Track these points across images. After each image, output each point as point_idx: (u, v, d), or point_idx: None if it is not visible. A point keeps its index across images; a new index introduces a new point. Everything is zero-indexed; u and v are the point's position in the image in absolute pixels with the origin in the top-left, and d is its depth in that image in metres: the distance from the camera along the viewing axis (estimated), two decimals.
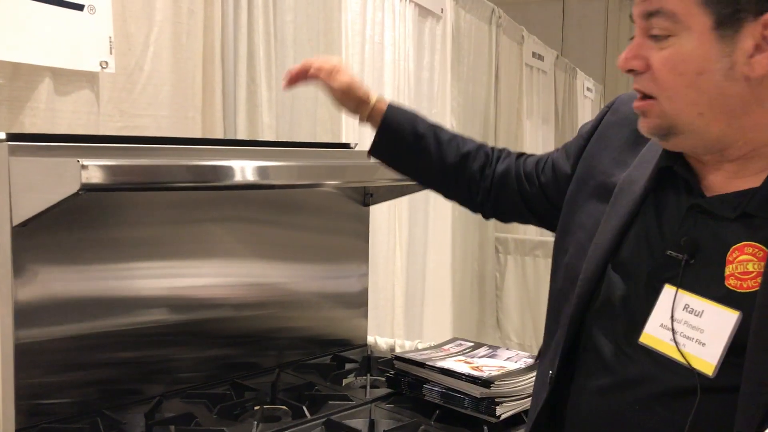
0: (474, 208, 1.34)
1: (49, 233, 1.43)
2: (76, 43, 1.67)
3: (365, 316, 2.04)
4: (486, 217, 1.36)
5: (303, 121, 2.54)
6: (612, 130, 1.10)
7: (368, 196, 1.96)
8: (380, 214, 2.97)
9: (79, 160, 1.15)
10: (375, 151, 1.31)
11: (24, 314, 1.40)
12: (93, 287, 1.51)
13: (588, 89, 6.29)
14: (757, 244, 0.88)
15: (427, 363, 1.56)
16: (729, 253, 0.89)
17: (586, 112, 6.11)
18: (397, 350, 1.96)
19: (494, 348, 1.69)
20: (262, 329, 1.83)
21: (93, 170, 1.16)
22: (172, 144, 1.54)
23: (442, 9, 3.40)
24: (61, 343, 1.47)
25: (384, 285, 3.07)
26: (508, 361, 1.59)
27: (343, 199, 1.95)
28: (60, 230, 1.45)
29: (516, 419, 1.47)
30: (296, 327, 1.89)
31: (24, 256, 1.39)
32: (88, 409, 1.48)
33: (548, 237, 2.93)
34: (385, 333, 2.89)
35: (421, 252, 3.38)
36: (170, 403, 1.57)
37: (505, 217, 1.34)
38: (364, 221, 1.99)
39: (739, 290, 0.88)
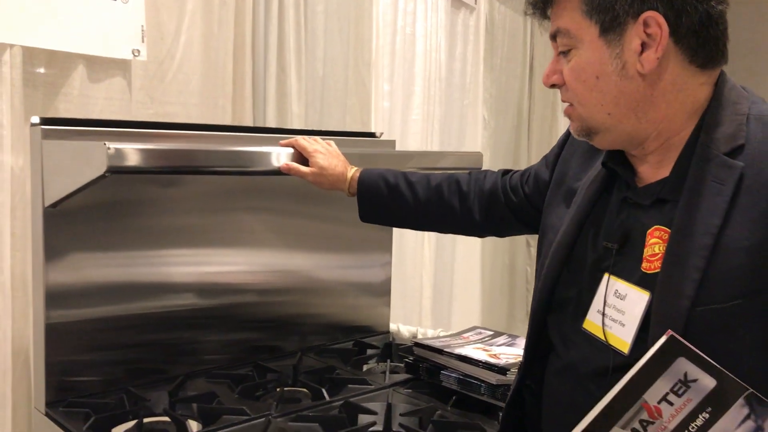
0: (470, 232, 1.47)
1: (83, 220, 1.48)
2: (109, 31, 1.72)
3: (388, 304, 2.06)
4: (482, 235, 1.49)
5: (333, 111, 2.57)
6: None
7: None
8: None
9: (106, 143, 1.19)
10: (363, 215, 1.47)
11: (56, 295, 1.45)
12: (123, 272, 1.56)
13: None
14: (663, 227, 0.95)
15: (445, 350, 1.57)
16: (646, 237, 0.97)
17: None
18: (419, 338, 1.98)
19: (513, 337, 1.70)
20: (286, 315, 1.86)
21: (119, 153, 1.20)
22: (200, 130, 1.58)
23: (476, 0, 3.39)
24: (91, 324, 1.52)
25: (412, 275, 3.09)
26: None
27: None
28: (94, 217, 1.50)
29: None
30: (319, 313, 1.92)
31: (58, 240, 1.45)
32: (115, 386, 1.54)
33: None
34: (413, 323, 2.91)
35: (450, 244, 3.39)
36: (194, 382, 1.62)
37: (500, 232, 1.45)
38: None
39: (649, 272, 0.96)
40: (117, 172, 1.21)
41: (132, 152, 1.22)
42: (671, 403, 0.84)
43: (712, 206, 0.90)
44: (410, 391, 1.59)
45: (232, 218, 1.74)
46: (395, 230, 2.90)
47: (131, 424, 1.36)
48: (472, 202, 1.39)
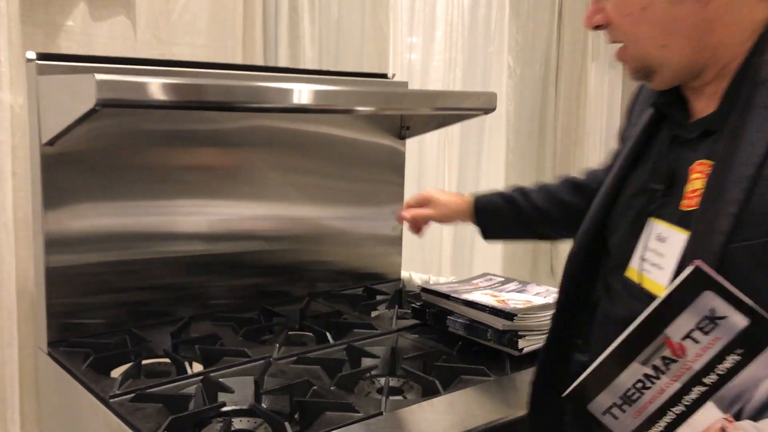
0: None
1: (88, 164, 1.46)
2: None
3: (400, 253, 2.02)
4: None
5: (348, 55, 2.50)
6: (645, 89, 1.11)
7: (404, 129, 1.92)
8: (429, 153, 2.93)
9: (95, 75, 1.15)
10: (487, 233, 1.48)
11: (56, 238, 1.44)
12: (129, 218, 1.54)
13: None
14: (706, 161, 0.87)
15: (452, 295, 1.53)
16: (689, 173, 0.89)
17: None
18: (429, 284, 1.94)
19: (524, 283, 1.65)
20: (296, 261, 1.83)
21: (108, 85, 1.15)
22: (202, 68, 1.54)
23: None
24: (94, 267, 1.51)
25: (431, 229, 3.03)
26: (537, 296, 1.55)
27: (378, 133, 1.91)
28: (100, 162, 1.48)
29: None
30: (330, 260, 1.89)
31: (59, 181, 1.43)
32: (118, 328, 1.53)
33: None
34: (431, 274, 2.87)
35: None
36: (199, 325, 1.60)
37: None
38: (400, 155, 1.95)
39: (687, 209, 0.88)
40: (107, 105, 1.16)
41: (122, 84, 1.18)
42: (697, 341, 0.77)
43: (758, 134, 0.81)
44: (417, 336, 1.56)
45: (244, 169, 1.70)
46: (413, 180, 2.85)
47: (131, 364, 1.34)
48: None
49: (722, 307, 0.75)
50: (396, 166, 1.95)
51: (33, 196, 1.43)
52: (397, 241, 2.00)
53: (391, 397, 1.28)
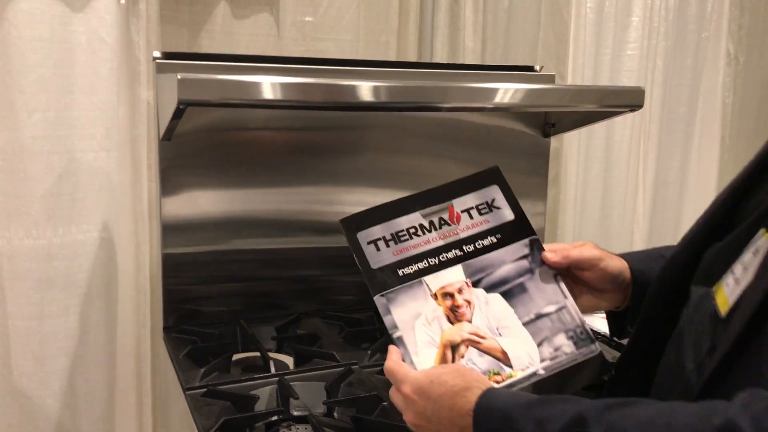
0: None
1: (209, 154, 1.52)
2: None
3: None
4: None
5: (520, 46, 2.35)
6: None
7: (549, 126, 1.75)
8: (618, 148, 2.66)
9: (178, 74, 1.17)
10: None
11: (175, 227, 1.51)
12: (248, 208, 1.57)
13: None
14: None
15: None
16: None
17: None
18: None
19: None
20: None
21: (190, 84, 1.17)
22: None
23: None
24: (212, 256, 1.55)
25: (618, 231, 2.77)
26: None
27: (521, 126, 1.77)
28: (222, 152, 1.53)
29: None
30: None
31: (177, 172, 1.49)
32: (231, 318, 1.57)
33: None
34: None
35: (674, 196, 2.99)
36: (309, 321, 1.60)
37: None
38: (544, 154, 1.79)
39: None
40: (191, 104, 1.19)
41: (205, 82, 1.19)
42: (471, 217, 0.98)
43: None
44: None
45: (370, 158, 1.67)
46: (598, 178, 2.62)
47: (220, 358, 1.37)
48: None
49: (501, 200, 1.00)
50: (538, 162, 1.80)
51: (153, 188, 1.51)
52: None
53: None
